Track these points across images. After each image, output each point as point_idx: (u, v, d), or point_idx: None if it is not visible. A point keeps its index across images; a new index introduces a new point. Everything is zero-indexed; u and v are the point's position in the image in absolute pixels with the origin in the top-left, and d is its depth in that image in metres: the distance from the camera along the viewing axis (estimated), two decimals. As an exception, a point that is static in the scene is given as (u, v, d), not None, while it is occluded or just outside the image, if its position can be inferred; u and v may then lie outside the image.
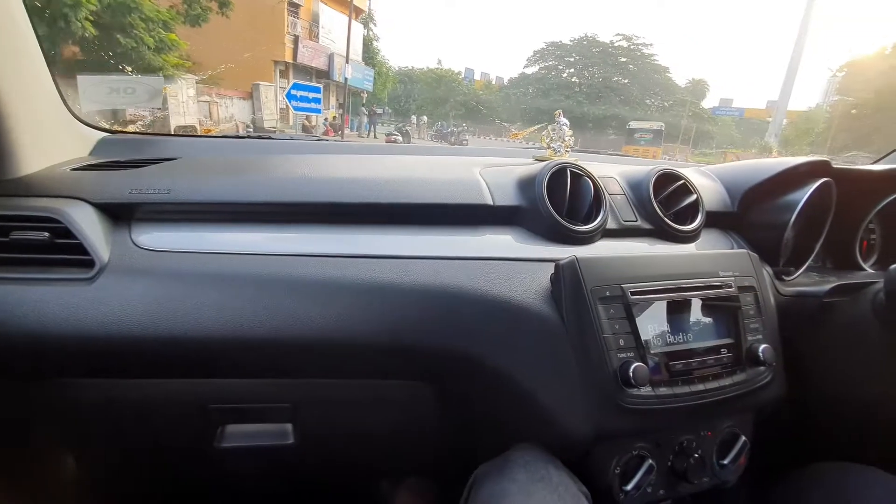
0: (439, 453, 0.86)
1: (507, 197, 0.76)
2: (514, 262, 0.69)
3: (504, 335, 0.64)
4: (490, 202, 0.75)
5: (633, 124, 21.85)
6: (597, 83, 36.83)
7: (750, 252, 0.76)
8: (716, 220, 0.87)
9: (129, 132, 0.99)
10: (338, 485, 0.96)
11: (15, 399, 0.67)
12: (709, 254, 0.78)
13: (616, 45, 37.01)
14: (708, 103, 38.39)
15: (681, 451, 0.69)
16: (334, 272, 0.63)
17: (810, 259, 0.88)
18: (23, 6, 0.68)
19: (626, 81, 36.79)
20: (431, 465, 0.92)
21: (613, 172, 0.87)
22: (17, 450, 0.75)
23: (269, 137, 1.08)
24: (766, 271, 0.79)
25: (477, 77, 41.10)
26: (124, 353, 0.59)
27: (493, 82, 41.53)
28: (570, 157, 0.93)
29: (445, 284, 0.64)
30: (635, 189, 0.84)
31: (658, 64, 36.61)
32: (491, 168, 0.85)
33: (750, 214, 0.88)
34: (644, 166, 0.90)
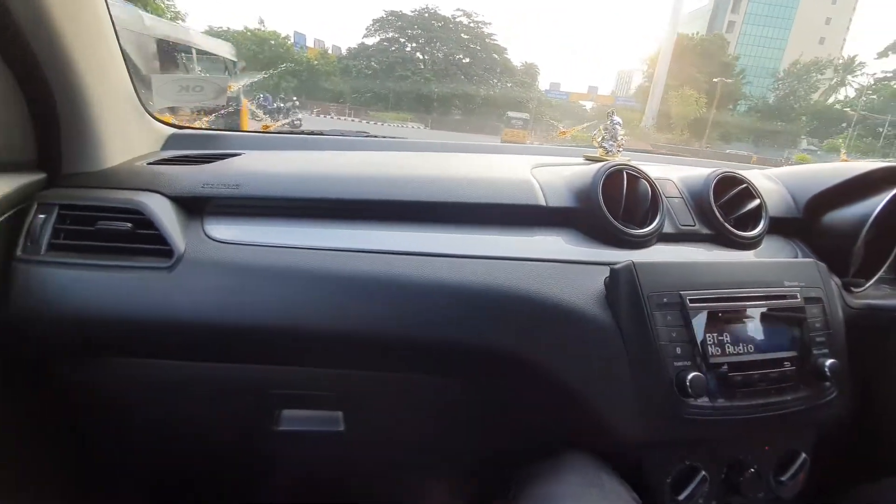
0: (479, 452, 0.87)
1: (560, 198, 0.75)
2: (567, 265, 0.68)
3: (556, 337, 0.63)
4: (543, 203, 0.73)
5: (511, 113, 26.04)
6: (440, 60, 35.41)
7: (817, 261, 0.74)
8: (779, 227, 0.83)
9: (195, 128, 1.03)
10: (381, 475, 0.96)
11: (89, 376, 0.71)
12: (774, 262, 0.74)
13: (457, 20, 35.95)
14: (539, 86, 40.37)
15: (736, 465, 0.67)
16: (388, 269, 0.64)
17: (882, 270, 0.83)
18: (107, 9, 0.71)
19: (469, 60, 36.18)
20: (469, 463, 0.92)
21: (670, 175, 0.84)
22: (83, 425, 0.79)
23: (321, 134, 1.12)
24: (834, 282, 0.75)
25: (310, 44, 35.77)
26: (198, 338, 0.64)
27: (330, 52, 36.77)
28: (621, 157, 0.91)
29: (498, 284, 0.64)
30: (694, 192, 0.81)
31: (497, 44, 36.74)
32: (542, 168, 0.83)
33: (817, 221, 0.84)
34: (703, 168, 0.87)
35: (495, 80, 36.57)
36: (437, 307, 0.63)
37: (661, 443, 0.63)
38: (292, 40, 32.69)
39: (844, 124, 32.46)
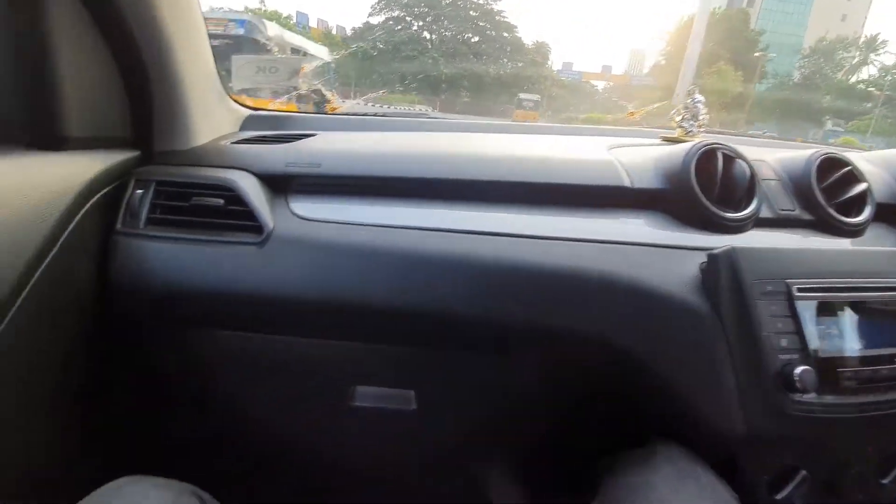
0: (557, 438, 0.85)
1: (646, 179, 0.71)
2: (657, 249, 0.65)
3: (649, 324, 0.61)
4: (628, 184, 0.71)
5: (522, 95, 25.37)
6: (448, 39, 34.14)
7: None
8: (883, 213, 0.78)
9: (268, 110, 1.06)
10: (452, 456, 0.92)
11: (176, 346, 0.74)
12: (885, 251, 0.70)
13: (466, -4, 34.52)
14: (551, 66, 39.04)
15: (837, 465, 0.64)
16: (472, 249, 0.63)
17: None
18: None
19: (478, 39, 34.88)
20: (547, 450, 0.89)
21: (764, 156, 0.79)
22: (166, 396, 0.81)
23: (385, 115, 1.09)
24: None
25: (313, 24, 34.46)
26: (284, 312, 0.65)
27: (335, 32, 35.47)
28: (701, 139, 0.86)
29: (585, 267, 0.62)
30: (794, 175, 0.76)
31: (507, 21, 35.35)
32: (620, 148, 0.81)
33: None
34: (801, 150, 0.81)
35: (505, 60, 35.30)
36: (521, 289, 0.62)
37: (761, 439, 0.59)
38: (294, 20, 31.48)
39: (870, 104, 31.15)
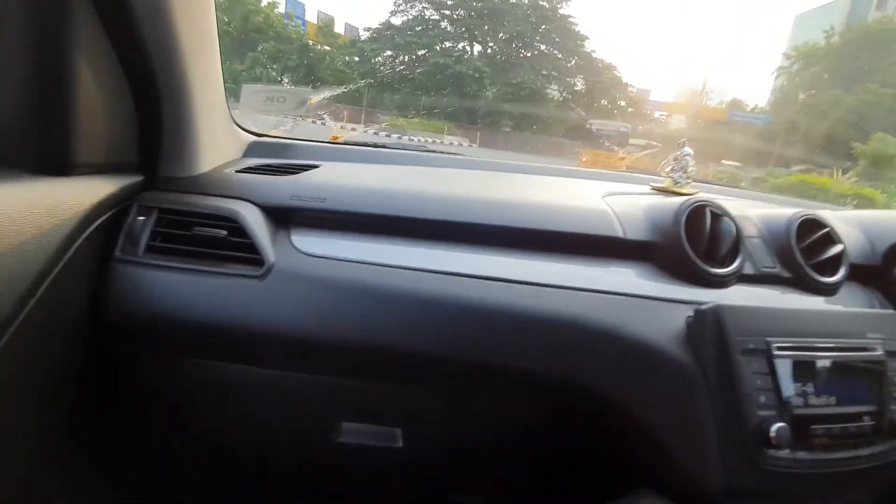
0: (542, 482, 0.86)
1: (637, 231, 0.75)
2: (646, 301, 0.68)
3: (633, 375, 0.64)
4: (621, 235, 0.74)
5: (594, 123, 17.31)
6: (499, 51, 24.58)
7: None
8: (855, 273, 0.82)
9: (272, 136, 1.05)
10: (434, 496, 0.94)
11: (167, 375, 0.73)
12: (857, 313, 0.75)
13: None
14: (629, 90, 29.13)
15: None
16: (464, 292, 0.65)
17: None
18: (214, 16, 0.73)
19: (540, 51, 25.18)
20: (530, 494, 0.90)
21: (748, 212, 0.84)
22: (151, 422, 0.80)
23: (386, 147, 1.10)
24: None
25: (311, 17, 25.09)
26: (280, 347, 0.66)
27: (344, 32, 26.05)
28: (689, 189, 0.93)
29: (577, 315, 0.64)
30: (775, 234, 0.80)
31: (578, 31, 25.59)
32: (615, 196, 0.84)
33: (894, 270, 0.82)
34: (783, 208, 0.87)
35: (577, 81, 25.49)
36: (512, 334, 0.64)
37: (739, 493, 0.61)
38: (282, 9, 22.03)
39: None
